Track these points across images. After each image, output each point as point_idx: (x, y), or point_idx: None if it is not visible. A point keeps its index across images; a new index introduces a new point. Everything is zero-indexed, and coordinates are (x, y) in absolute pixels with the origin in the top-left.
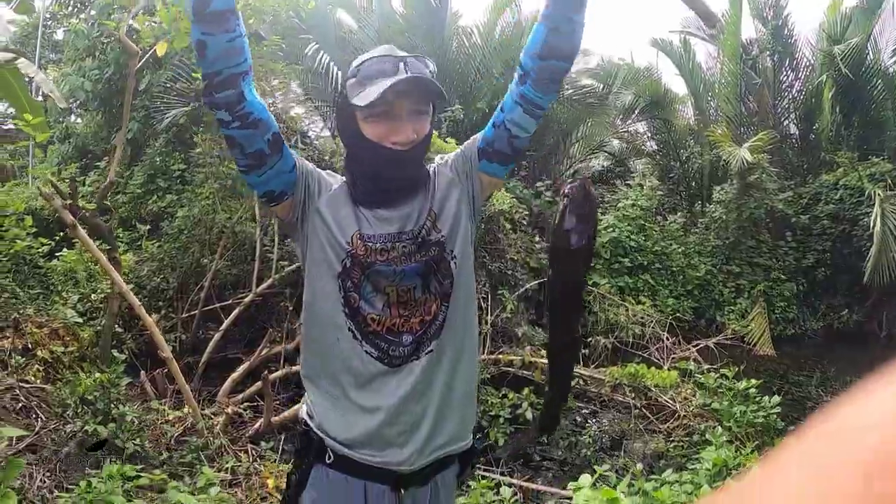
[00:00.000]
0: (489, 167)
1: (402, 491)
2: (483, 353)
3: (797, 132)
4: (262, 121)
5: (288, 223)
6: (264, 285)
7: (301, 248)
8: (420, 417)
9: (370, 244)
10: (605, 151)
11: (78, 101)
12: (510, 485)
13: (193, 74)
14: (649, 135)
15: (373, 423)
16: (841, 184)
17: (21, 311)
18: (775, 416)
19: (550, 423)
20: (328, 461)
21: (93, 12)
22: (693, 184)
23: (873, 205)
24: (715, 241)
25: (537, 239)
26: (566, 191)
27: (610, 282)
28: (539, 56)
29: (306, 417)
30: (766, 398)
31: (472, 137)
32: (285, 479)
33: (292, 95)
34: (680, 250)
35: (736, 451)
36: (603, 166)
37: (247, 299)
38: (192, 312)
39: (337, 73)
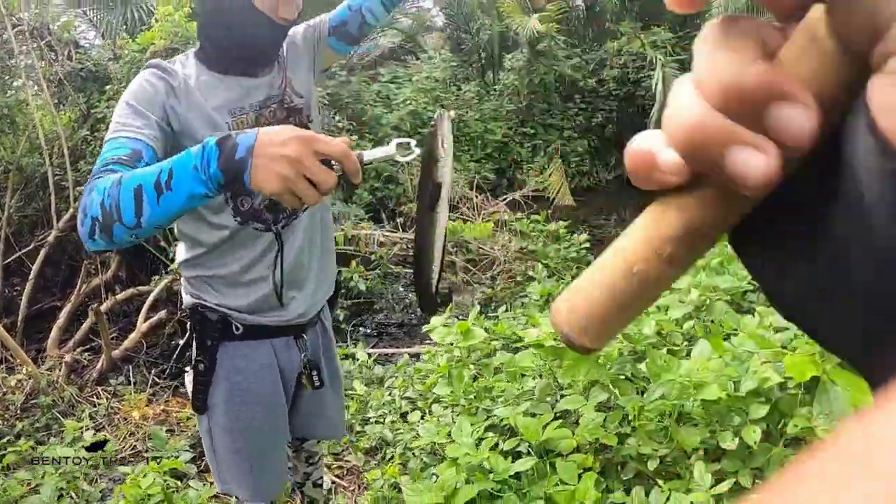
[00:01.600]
0: (336, 44)
1: (304, 335)
2: None
3: (583, 4)
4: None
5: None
6: (65, 218)
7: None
8: (308, 271)
9: (240, 115)
10: (395, 28)
11: None
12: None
13: None
14: (437, 10)
15: (271, 288)
16: (625, 50)
17: None
18: (585, 250)
19: (430, 304)
20: (237, 332)
21: None
22: (485, 54)
23: (654, 69)
24: (509, 107)
25: (337, 118)
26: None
27: None
28: None
29: (199, 301)
30: (575, 235)
31: (320, 17)
32: (191, 373)
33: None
34: (476, 117)
35: (556, 282)
36: (393, 43)
37: (50, 238)
38: None
39: None
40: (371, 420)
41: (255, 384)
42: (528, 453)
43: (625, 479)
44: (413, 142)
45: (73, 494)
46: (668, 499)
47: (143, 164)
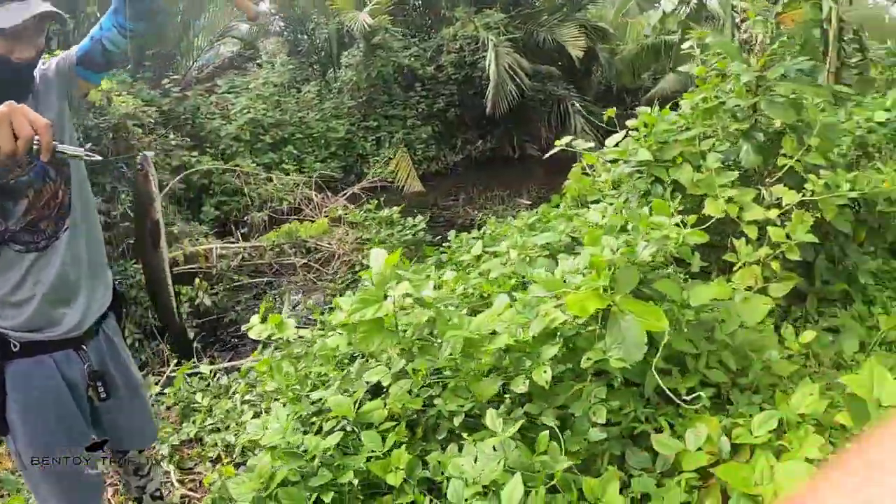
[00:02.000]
0: (85, 73)
1: (83, 348)
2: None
3: None
4: None
5: None
6: None
7: None
8: (76, 287)
9: None
10: (233, 37)
11: None
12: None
13: None
14: (273, 12)
15: (42, 306)
16: (460, 35)
17: None
18: (422, 231)
19: (186, 348)
20: (14, 349)
21: None
22: (323, 53)
23: (488, 50)
24: (350, 103)
25: (172, 137)
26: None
27: (254, 160)
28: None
29: None
30: (409, 219)
31: (69, 51)
32: None
33: None
34: (317, 117)
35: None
36: (233, 52)
37: None
38: None
39: None
40: (217, 429)
41: (42, 399)
42: (352, 431)
43: (440, 438)
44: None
45: None
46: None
47: None
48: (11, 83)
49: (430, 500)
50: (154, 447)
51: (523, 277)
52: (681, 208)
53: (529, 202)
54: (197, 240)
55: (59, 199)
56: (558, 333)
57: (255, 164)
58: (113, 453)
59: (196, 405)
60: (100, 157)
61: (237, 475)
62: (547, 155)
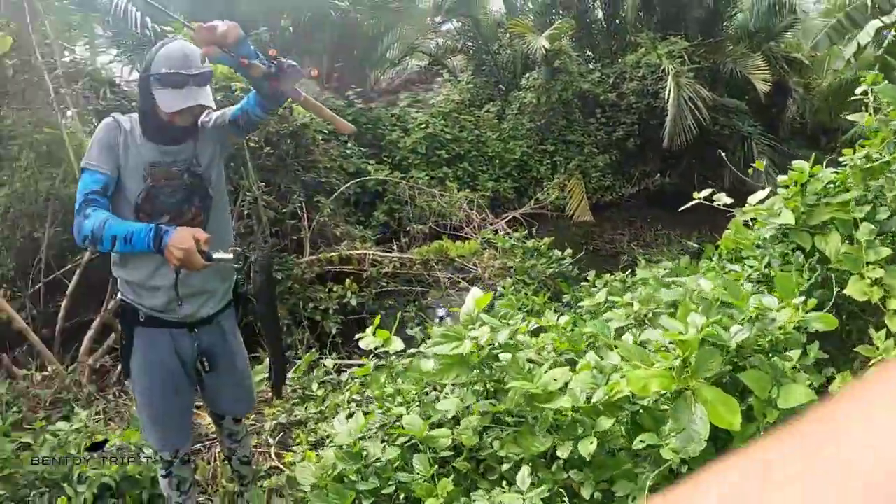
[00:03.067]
0: (235, 129)
1: (196, 331)
2: (305, 255)
3: (603, 17)
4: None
5: None
6: None
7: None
8: (198, 287)
9: (157, 168)
10: (421, 52)
11: None
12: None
13: None
14: (460, 32)
15: (165, 296)
16: (643, 62)
17: None
18: (571, 266)
19: (279, 379)
20: (141, 320)
21: None
22: (506, 74)
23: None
24: (528, 125)
25: (350, 144)
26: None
27: (428, 173)
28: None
29: (123, 297)
30: (557, 251)
31: (227, 109)
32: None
33: (99, 41)
34: (495, 136)
35: (525, 296)
36: (420, 67)
37: (84, 259)
38: (37, 286)
39: (136, 14)
40: (324, 418)
41: (156, 360)
42: (419, 449)
43: (492, 479)
44: (240, 251)
45: (61, 454)
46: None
47: (108, 192)
48: (171, 137)
49: None
50: (253, 423)
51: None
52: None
53: (698, 247)
54: (354, 242)
55: (198, 221)
56: (626, 405)
57: (429, 178)
58: (213, 415)
59: (311, 393)
60: (231, 257)
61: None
62: (682, 208)
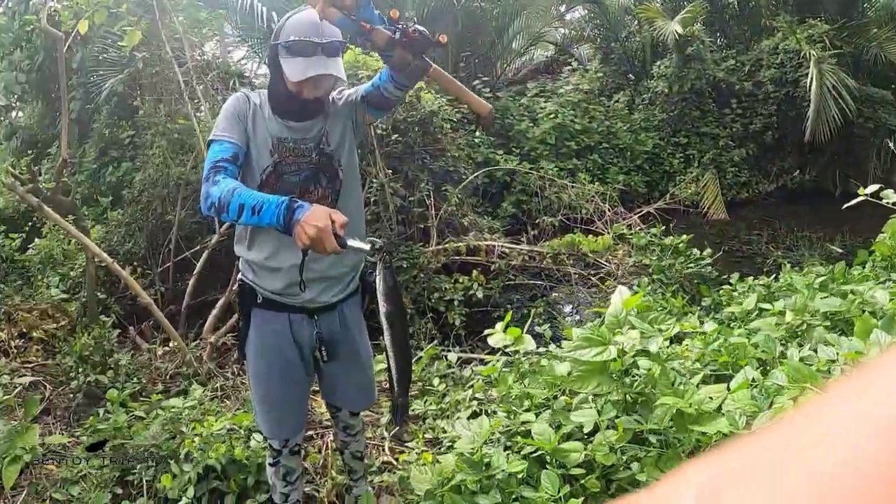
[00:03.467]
0: (369, 110)
1: (316, 317)
2: (431, 244)
3: (735, 0)
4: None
5: None
6: (226, 225)
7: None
8: (319, 274)
9: (284, 144)
10: (547, 41)
11: (16, 96)
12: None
13: (119, 43)
14: (586, 20)
15: (286, 278)
16: (780, 48)
17: (10, 304)
18: (709, 266)
19: (400, 416)
20: (259, 302)
21: (10, 3)
22: (636, 62)
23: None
24: (660, 116)
25: (478, 133)
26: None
27: (557, 165)
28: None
29: (242, 276)
30: (696, 250)
31: (360, 86)
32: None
33: (228, 39)
34: (626, 128)
35: (661, 297)
36: (546, 56)
37: (213, 241)
38: (166, 265)
39: (262, 10)
40: (443, 415)
41: (272, 343)
42: (547, 461)
43: None
44: (379, 243)
45: (172, 430)
46: None
47: (238, 162)
48: (302, 112)
49: None
50: (368, 413)
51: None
52: None
53: (842, 251)
54: (482, 234)
55: (326, 204)
56: None
57: (557, 169)
58: (329, 406)
59: (431, 388)
60: (368, 248)
61: (431, 463)
62: (846, 205)
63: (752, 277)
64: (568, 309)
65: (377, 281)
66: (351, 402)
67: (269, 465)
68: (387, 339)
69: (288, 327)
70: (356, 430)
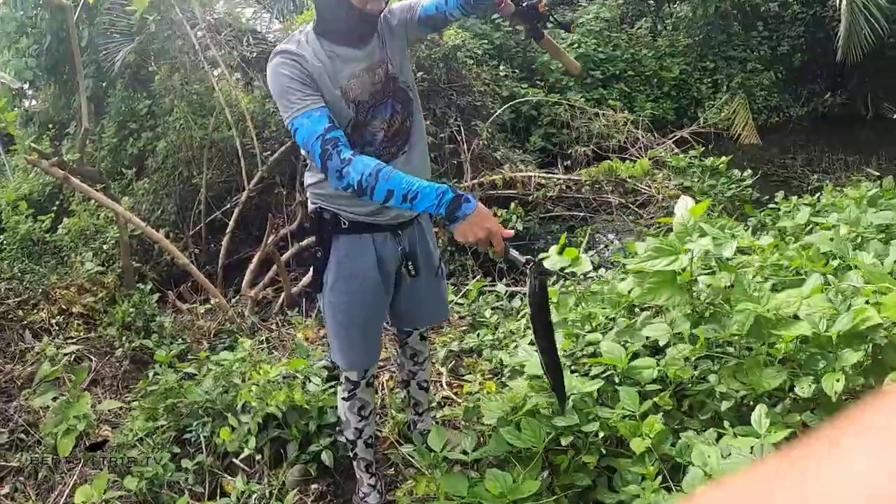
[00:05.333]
0: (424, 28)
1: (399, 233)
2: (467, 179)
3: None
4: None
5: None
6: (254, 180)
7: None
8: None
9: (355, 80)
10: None
11: (28, 82)
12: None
13: (127, 8)
14: None
15: (374, 203)
16: None
17: (46, 284)
18: (749, 188)
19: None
20: (343, 226)
21: None
22: None
23: None
24: (685, 41)
25: (502, 67)
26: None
27: (584, 95)
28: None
29: (318, 205)
30: (736, 171)
31: (415, 3)
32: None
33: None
34: (650, 55)
35: (709, 218)
36: None
37: (242, 198)
38: (198, 227)
39: None
40: (497, 346)
41: (357, 267)
42: (617, 380)
43: (703, 418)
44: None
45: (225, 384)
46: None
47: (334, 125)
48: (363, 29)
49: (662, 480)
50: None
51: (843, 260)
52: None
53: (878, 174)
54: (517, 165)
55: (405, 127)
56: (869, 337)
57: (584, 99)
58: (398, 334)
59: (483, 320)
60: (523, 260)
61: (498, 392)
62: None
63: (796, 196)
64: (611, 237)
65: (527, 290)
66: (428, 316)
67: (343, 399)
68: (536, 341)
69: (373, 249)
70: (423, 357)
